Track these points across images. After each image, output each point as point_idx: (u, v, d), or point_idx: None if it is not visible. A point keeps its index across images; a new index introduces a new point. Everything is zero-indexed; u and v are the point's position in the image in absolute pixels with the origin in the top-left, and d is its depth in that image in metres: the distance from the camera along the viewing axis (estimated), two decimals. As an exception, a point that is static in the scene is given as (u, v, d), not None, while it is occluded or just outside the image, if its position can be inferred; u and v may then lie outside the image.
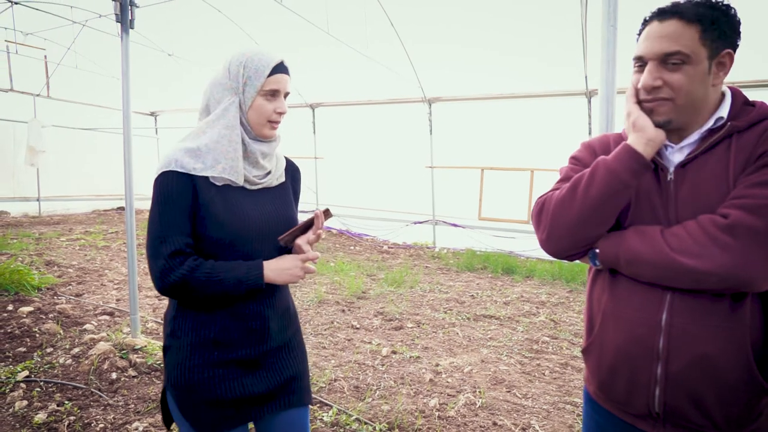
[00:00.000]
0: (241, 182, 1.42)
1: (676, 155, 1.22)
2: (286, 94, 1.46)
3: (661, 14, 1.16)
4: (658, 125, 1.18)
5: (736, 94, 1.20)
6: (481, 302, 5.55)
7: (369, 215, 9.22)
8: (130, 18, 3.78)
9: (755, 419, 1.12)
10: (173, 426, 1.52)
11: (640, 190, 1.23)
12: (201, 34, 7.91)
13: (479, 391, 3.35)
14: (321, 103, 9.50)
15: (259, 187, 1.48)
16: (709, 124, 1.17)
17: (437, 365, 3.78)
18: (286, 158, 1.63)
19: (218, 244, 1.39)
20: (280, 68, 1.41)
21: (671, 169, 1.21)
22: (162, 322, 4.46)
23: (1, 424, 2.78)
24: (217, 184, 1.40)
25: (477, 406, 3.17)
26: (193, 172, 1.36)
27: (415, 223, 9.01)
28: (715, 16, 1.12)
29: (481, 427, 2.92)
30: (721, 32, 1.12)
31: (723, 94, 1.20)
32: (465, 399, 3.24)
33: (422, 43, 7.08)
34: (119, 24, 3.77)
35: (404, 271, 6.78)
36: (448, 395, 3.31)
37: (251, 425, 1.57)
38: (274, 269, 1.41)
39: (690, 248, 1.08)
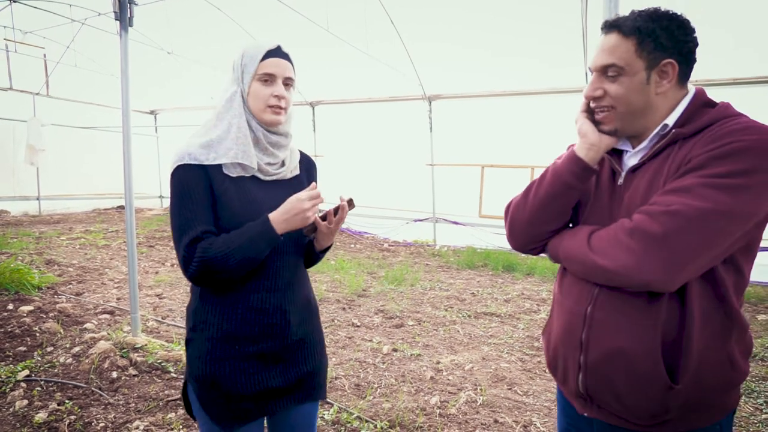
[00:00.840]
0: (254, 166, 1.43)
1: (631, 160, 1.28)
2: (288, 80, 1.46)
3: (606, 27, 1.24)
4: (606, 133, 1.26)
5: (696, 96, 1.22)
6: (482, 300, 5.54)
7: (369, 213, 9.21)
8: (129, 16, 3.76)
9: (664, 413, 1.16)
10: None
11: (599, 192, 1.32)
12: (200, 32, 7.89)
13: (480, 389, 3.35)
14: (321, 101, 9.48)
15: (273, 178, 1.50)
16: (656, 130, 1.22)
17: (438, 363, 3.78)
18: (300, 152, 1.64)
19: None
20: (275, 53, 1.43)
21: (623, 174, 1.27)
22: (161, 320, 4.47)
23: (2, 424, 2.77)
24: (232, 175, 1.42)
25: (478, 403, 3.17)
26: (205, 162, 1.38)
27: (416, 220, 9.01)
28: (652, 29, 1.17)
29: (482, 424, 2.92)
30: (658, 44, 1.17)
31: (685, 96, 1.24)
32: (466, 396, 3.23)
33: (422, 42, 7.06)
34: (118, 22, 3.76)
35: (405, 269, 6.77)
36: (449, 393, 3.31)
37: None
38: (281, 217, 1.38)
39: (603, 248, 1.16)
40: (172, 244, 8.18)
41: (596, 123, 1.28)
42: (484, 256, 7.48)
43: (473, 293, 5.80)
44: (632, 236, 1.10)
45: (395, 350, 4.02)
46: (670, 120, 1.20)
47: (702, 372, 1.13)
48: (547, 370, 3.69)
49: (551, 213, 1.31)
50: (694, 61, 1.21)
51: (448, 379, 3.51)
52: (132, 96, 3.82)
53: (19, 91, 9.64)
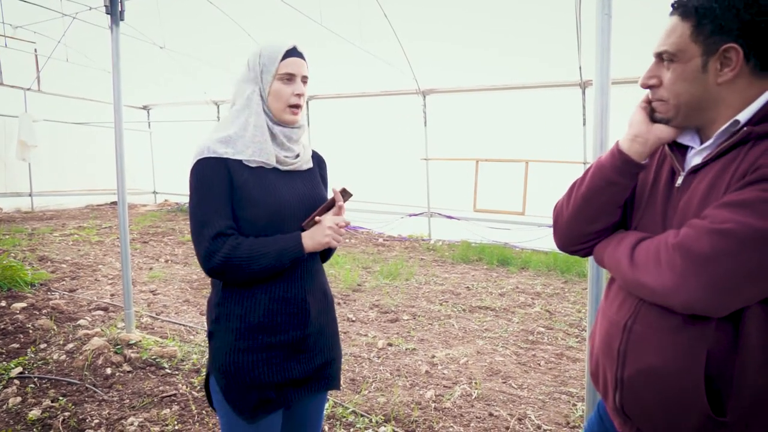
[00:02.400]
0: (273, 162, 1.48)
1: (695, 158, 1.12)
2: (304, 78, 1.52)
3: (671, 7, 1.10)
4: (659, 122, 1.14)
5: None
6: (477, 294, 5.56)
7: (364, 208, 9.20)
8: (120, 10, 3.73)
9: None
10: None
11: (654, 193, 1.18)
12: (192, 26, 7.83)
13: (475, 383, 3.36)
14: (315, 96, 9.45)
15: (291, 168, 1.54)
16: (725, 126, 1.05)
17: (433, 357, 3.79)
18: (312, 150, 1.70)
19: (256, 224, 1.45)
20: (293, 53, 1.48)
21: (683, 174, 1.12)
22: (155, 316, 4.45)
23: (-5, 421, 2.76)
24: (251, 165, 1.46)
25: (473, 397, 3.18)
26: (225, 156, 1.43)
27: (411, 215, 9.01)
28: (711, 8, 1.02)
29: (477, 417, 2.93)
30: (717, 26, 1.01)
31: None
32: (461, 390, 3.25)
33: (417, 38, 7.03)
34: (109, 16, 3.72)
35: (399, 264, 6.77)
36: (444, 387, 3.32)
37: None
38: (310, 236, 1.46)
39: (645, 263, 1.04)
40: (165, 240, 8.19)
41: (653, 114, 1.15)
42: (478, 250, 7.49)
43: (468, 287, 5.82)
44: (676, 253, 0.97)
45: (390, 345, 4.03)
46: (744, 116, 1.03)
47: (763, 412, 0.99)
48: (541, 364, 3.71)
49: (593, 211, 1.19)
50: None
51: (443, 373, 3.52)
52: (124, 91, 3.79)
53: (10, 87, 9.55)
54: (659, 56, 1.11)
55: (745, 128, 1.01)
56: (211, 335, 1.52)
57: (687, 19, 1.05)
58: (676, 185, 1.12)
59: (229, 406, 1.46)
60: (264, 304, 1.46)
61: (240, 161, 1.44)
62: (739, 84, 1.04)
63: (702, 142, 1.12)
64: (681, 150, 1.16)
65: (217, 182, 1.41)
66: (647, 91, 1.17)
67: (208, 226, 1.39)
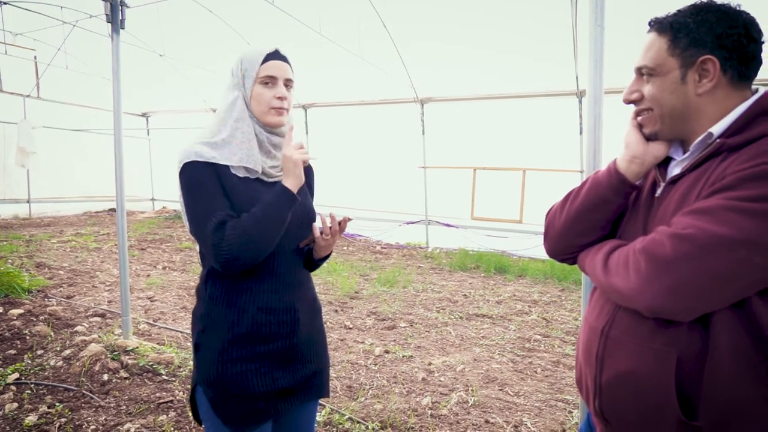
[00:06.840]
0: (259, 170, 1.45)
1: (675, 169, 1.16)
2: (288, 82, 1.49)
3: (648, 25, 1.16)
4: (647, 137, 1.18)
5: (758, 101, 1.06)
6: (474, 301, 5.57)
7: (362, 215, 9.22)
8: (120, 18, 3.76)
9: None
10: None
11: (637, 203, 1.21)
12: (192, 34, 7.89)
13: (472, 390, 3.37)
14: (313, 104, 9.50)
15: (275, 179, 1.51)
16: (700, 138, 1.09)
17: (430, 364, 3.79)
18: None
19: None
20: (274, 56, 1.46)
21: (662, 185, 1.16)
22: (152, 322, 4.45)
23: (-8, 427, 2.76)
24: (239, 174, 1.43)
25: (469, 404, 3.18)
26: (212, 161, 1.39)
27: (408, 223, 9.03)
28: (685, 23, 1.07)
29: (473, 425, 2.94)
30: (693, 39, 1.06)
31: (745, 101, 1.08)
32: (457, 397, 3.25)
33: (414, 42, 7.09)
34: (110, 24, 3.75)
35: (397, 271, 6.78)
36: (440, 394, 3.32)
37: None
38: (285, 175, 1.44)
39: (616, 267, 1.07)
40: (163, 246, 8.19)
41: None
42: (476, 258, 7.51)
43: (465, 295, 5.83)
44: (641, 257, 1.00)
45: (387, 352, 4.03)
46: (717, 128, 1.06)
47: (734, 415, 1.00)
48: (538, 372, 3.72)
49: (585, 226, 1.22)
50: (751, 57, 1.06)
51: (440, 380, 3.52)
52: (124, 98, 3.82)
53: (9, 93, 9.59)
54: (639, 71, 1.15)
55: (717, 140, 1.05)
56: (197, 347, 1.48)
57: (663, 35, 1.10)
58: (656, 195, 1.16)
59: (217, 418, 1.43)
60: (252, 314, 1.44)
61: (228, 168, 1.41)
62: (717, 95, 1.08)
63: (684, 153, 1.15)
64: (664, 161, 1.20)
65: (209, 182, 1.37)
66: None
67: (210, 221, 1.33)
